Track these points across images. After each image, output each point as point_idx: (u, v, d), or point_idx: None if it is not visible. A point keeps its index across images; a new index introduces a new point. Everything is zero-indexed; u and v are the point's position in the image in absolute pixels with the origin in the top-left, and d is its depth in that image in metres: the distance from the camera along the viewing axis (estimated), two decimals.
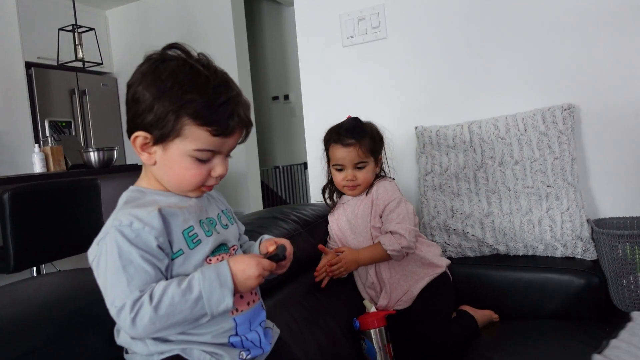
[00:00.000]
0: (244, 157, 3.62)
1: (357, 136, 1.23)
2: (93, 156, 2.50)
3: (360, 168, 1.25)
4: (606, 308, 1.26)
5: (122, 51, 4.26)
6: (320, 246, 1.23)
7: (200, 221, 0.67)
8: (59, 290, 0.74)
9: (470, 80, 1.54)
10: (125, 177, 2.73)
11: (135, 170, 2.78)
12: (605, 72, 1.38)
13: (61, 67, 3.45)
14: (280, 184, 4.31)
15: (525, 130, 1.40)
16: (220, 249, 0.67)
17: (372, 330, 1.11)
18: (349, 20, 1.71)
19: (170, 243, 0.62)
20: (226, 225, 0.72)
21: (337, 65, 1.76)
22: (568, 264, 1.32)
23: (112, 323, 0.67)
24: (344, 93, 1.76)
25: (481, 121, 1.47)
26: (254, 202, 3.73)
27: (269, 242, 0.72)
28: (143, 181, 0.69)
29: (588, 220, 1.36)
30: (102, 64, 3.34)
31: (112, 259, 0.59)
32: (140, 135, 0.64)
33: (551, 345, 1.11)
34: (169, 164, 0.65)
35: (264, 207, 3.99)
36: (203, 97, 0.62)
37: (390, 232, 1.19)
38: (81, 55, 3.04)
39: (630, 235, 1.22)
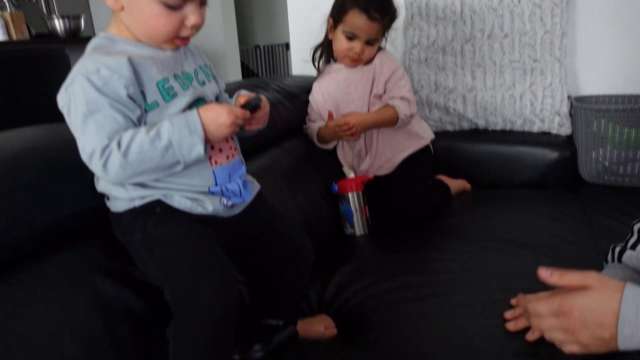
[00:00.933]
0: (222, 34, 3.42)
1: (383, 13, 1.16)
2: (58, 24, 2.31)
3: (370, 44, 1.19)
4: (574, 179, 1.33)
5: None
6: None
7: (175, 75, 0.64)
8: (37, 140, 0.73)
9: None
10: None
11: None
12: None
13: None
14: (261, 64, 4.16)
15: (519, 1, 1.34)
16: (197, 103, 0.65)
17: (349, 194, 1.15)
18: None
19: (144, 94, 0.60)
20: (203, 82, 0.69)
21: None
22: (543, 138, 1.36)
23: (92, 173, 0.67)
24: None
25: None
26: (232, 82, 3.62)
27: (242, 97, 0.69)
28: (112, 28, 0.64)
29: (569, 97, 1.37)
30: None
31: (80, 106, 0.57)
32: None
33: (516, 207, 1.19)
34: (137, 10, 0.59)
35: None
36: None
37: (401, 97, 1.20)
38: None
39: (607, 110, 1.24)
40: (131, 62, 0.58)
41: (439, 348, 0.72)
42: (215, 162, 0.66)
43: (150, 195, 0.63)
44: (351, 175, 1.21)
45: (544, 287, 0.65)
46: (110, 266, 0.66)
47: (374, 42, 1.19)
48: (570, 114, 1.36)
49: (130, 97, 0.58)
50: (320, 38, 1.31)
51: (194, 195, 0.65)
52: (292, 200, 1.05)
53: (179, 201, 0.64)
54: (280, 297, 0.78)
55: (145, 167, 0.58)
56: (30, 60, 1.90)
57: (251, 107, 0.66)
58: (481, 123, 1.44)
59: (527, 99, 1.36)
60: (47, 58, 1.97)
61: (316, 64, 1.31)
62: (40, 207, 0.62)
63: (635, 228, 0.69)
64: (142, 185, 0.63)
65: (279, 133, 1.22)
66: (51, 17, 2.34)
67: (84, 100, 0.56)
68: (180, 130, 0.58)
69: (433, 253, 1.01)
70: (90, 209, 0.68)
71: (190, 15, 0.60)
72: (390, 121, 1.19)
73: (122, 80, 0.57)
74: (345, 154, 1.29)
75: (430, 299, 0.83)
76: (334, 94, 1.26)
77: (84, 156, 0.58)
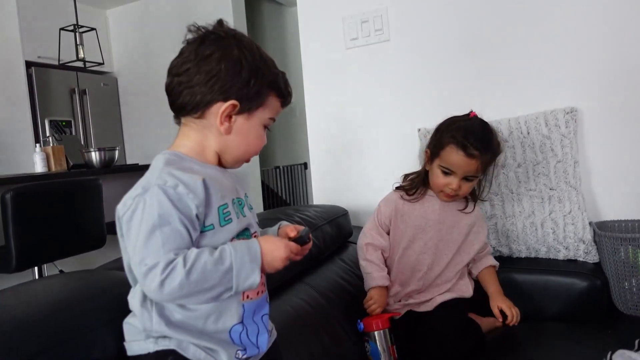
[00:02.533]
0: None
1: (483, 150, 1.12)
2: (94, 156, 2.50)
3: (468, 180, 1.16)
4: (608, 311, 1.27)
5: (122, 51, 4.26)
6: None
7: (233, 200, 0.68)
8: (66, 291, 0.74)
9: (473, 83, 1.55)
10: (126, 178, 2.72)
11: (136, 171, 2.78)
12: (607, 75, 1.38)
13: (62, 66, 3.45)
14: (281, 184, 4.31)
15: (528, 133, 1.41)
16: (244, 233, 0.68)
17: (376, 332, 1.10)
18: (352, 23, 1.71)
19: (205, 216, 0.62)
20: (251, 207, 0.74)
21: (340, 67, 1.76)
22: (570, 266, 1.33)
23: (121, 323, 0.67)
24: (347, 95, 1.76)
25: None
26: (254, 202, 3.67)
27: (288, 228, 0.72)
28: (183, 147, 0.68)
29: (590, 223, 1.36)
30: (103, 63, 3.34)
31: (150, 216, 0.58)
32: (235, 104, 0.67)
33: (553, 348, 1.12)
34: (247, 132, 0.69)
35: (265, 206, 3.99)
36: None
37: (488, 251, 1.29)
38: (82, 55, 3.04)
39: (633, 238, 1.22)
40: (205, 183, 0.62)
41: None
42: (247, 297, 0.67)
43: (165, 344, 0.63)
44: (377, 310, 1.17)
45: None
46: None
47: (473, 178, 1.16)
48: (595, 241, 1.34)
49: (197, 216, 0.61)
50: (335, 162, 1.34)
51: (210, 344, 0.64)
52: (318, 346, 1.02)
53: (194, 352, 0.63)
54: None
55: (201, 287, 0.58)
56: (67, 191, 2.01)
57: (302, 242, 0.69)
58: (505, 251, 1.43)
59: (548, 226, 1.36)
60: (82, 188, 2.09)
61: (408, 191, 1.25)
62: None
63: None
64: (164, 319, 0.62)
65: (302, 266, 1.23)
66: (88, 149, 2.52)
67: (156, 212, 0.58)
68: (242, 257, 0.60)
69: None
70: (116, 357, 0.67)
71: (264, 136, 0.73)
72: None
73: (195, 200, 0.60)
74: (392, 289, 1.23)
75: None
76: (415, 219, 1.22)
77: (141, 268, 0.57)
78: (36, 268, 2.17)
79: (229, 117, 0.67)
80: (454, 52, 1.57)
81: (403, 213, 1.25)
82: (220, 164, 0.71)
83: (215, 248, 0.61)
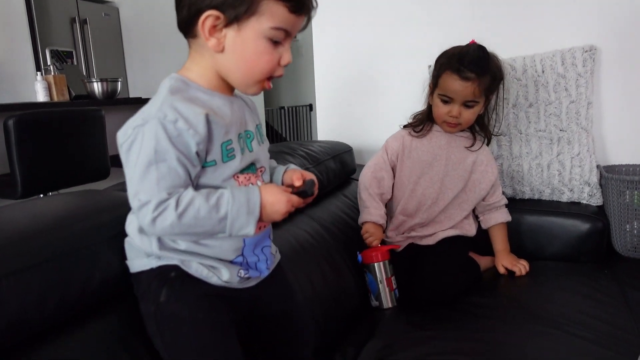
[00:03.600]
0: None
1: (479, 71, 1.10)
2: (97, 87, 2.45)
3: (468, 106, 1.14)
4: (607, 252, 1.28)
5: None
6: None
7: (239, 135, 0.64)
8: (71, 207, 0.74)
9: (488, 18, 1.48)
10: (130, 110, 2.68)
11: (139, 104, 2.74)
12: (631, 12, 1.31)
13: None
14: (285, 125, 4.27)
15: (543, 71, 1.36)
16: (249, 168, 0.65)
17: (375, 264, 1.12)
18: None
19: (207, 152, 0.60)
20: (261, 140, 0.70)
21: (350, 1, 1.68)
22: (573, 208, 1.33)
23: (123, 238, 0.68)
24: (357, 30, 1.69)
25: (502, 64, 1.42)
26: None
27: (295, 175, 0.69)
28: (191, 71, 0.63)
29: (598, 166, 1.35)
30: None
31: (147, 151, 0.56)
32: (212, 14, 0.58)
33: (552, 285, 1.14)
34: (242, 48, 0.60)
35: None
36: None
37: (505, 205, 1.27)
38: None
39: (639, 181, 1.21)
40: (208, 119, 0.58)
41: None
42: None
43: (168, 258, 0.63)
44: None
45: None
46: (135, 340, 0.65)
47: (473, 104, 1.14)
48: (601, 184, 1.33)
49: (197, 153, 0.58)
50: (341, 100, 1.31)
51: (212, 262, 0.64)
52: (318, 274, 1.03)
53: (196, 268, 0.63)
54: None
55: (193, 231, 0.58)
56: (70, 120, 1.99)
57: (306, 196, 0.66)
58: (508, 192, 1.42)
59: (554, 168, 1.35)
60: (85, 118, 2.06)
61: (415, 127, 1.25)
62: (72, 277, 0.62)
63: None
64: (166, 247, 0.62)
65: None
66: (90, 80, 2.47)
67: (153, 147, 0.56)
68: (239, 208, 0.58)
69: (468, 331, 0.96)
70: (120, 276, 0.68)
71: (285, 53, 0.62)
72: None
73: (196, 137, 0.57)
74: (395, 221, 1.25)
75: None
76: (423, 154, 1.22)
77: (135, 202, 0.57)
78: (42, 196, 2.19)
79: (216, 30, 0.59)
80: None
81: (411, 149, 1.24)
82: (228, 85, 0.65)
83: (215, 189, 0.59)
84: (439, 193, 1.22)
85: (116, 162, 2.33)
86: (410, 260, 1.18)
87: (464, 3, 1.50)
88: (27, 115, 1.84)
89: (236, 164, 0.63)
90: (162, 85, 0.62)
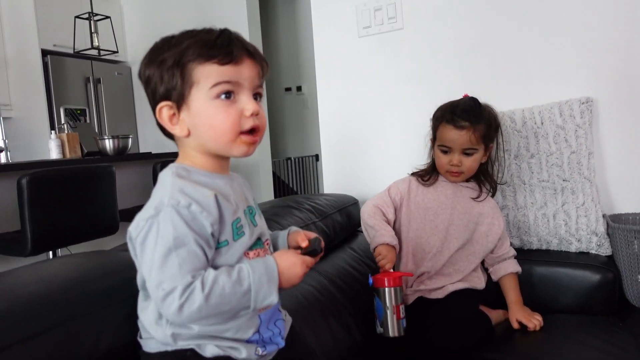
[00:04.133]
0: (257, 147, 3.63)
1: (472, 119, 1.16)
2: (108, 144, 2.53)
3: (468, 154, 1.19)
4: (620, 304, 1.25)
5: (136, 40, 4.28)
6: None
7: (244, 211, 0.66)
8: (80, 270, 0.75)
9: (487, 72, 1.53)
10: (139, 165, 2.75)
11: (149, 159, 2.81)
12: (625, 65, 1.36)
13: (77, 55, 3.48)
14: (292, 175, 4.32)
15: (542, 123, 1.39)
16: (256, 243, 0.66)
17: (385, 289, 1.07)
18: (365, 11, 1.70)
19: (220, 232, 0.61)
20: (260, 214, 0.71)
21: (353, 56, 1.75)
22: (582, 258, 1.32)
23: (133, 304, 0.69)
24: (360, 84, 1.76)
25: (497, 114, 1.46)
26: (265, 193, 3.75)
27: (299, 236, 0.71)
28: (184, 160, 0.67)
29: (604, 216, 1.35)
30: (117, 52, 3.36)
31: (165, 239, 0.57)
32: (164, 105, 0.63)
33: (564, 339, 1.11)
34: (199, 120, 0.62)
35: (275, 198, 4.01)
36: (197, 40, 0.62)
37: (514, 256, 1.28)
38: (97, 44, 3.06)
39: None
40: (217, 200, 0.60)
41: None
42: (262, 309, 0.66)
43: (184, 344, 0.62)
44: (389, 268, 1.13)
45: None
46: None
47: (472, 152, 1.18)
48: (608, 234, 1.33)
49: (212, 234, 0.59)
50: (346, 152, 1.34)
51: (229, 343, 0.63)
52: (326, 330, 1.03)
53: (212, 351, 0.62)
54: None
55: (220, 310, 0.58)
56: (81, 177, 2.04)
57: (316, 254, 0.67)
58: (516, 242, 1.42)
59: (560, 218, 1.35)
60: (96, 174, 2.12)
61: (424, 178, 1.28)
62: (80, 342, 0.62)
63: None
64: (182, 336, 0.62)
65: None
66: (102, 137, 2.55)
67: (172, 234, 0.56)
68: (260, 278, 0.59)
69: None
70: (127, 343, 0.68)
71: (246, 104, 0.62)
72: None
73: (209, 218, 0.59)
74: (402, 268, 1.25)
75: None
76: (428, 201, 1.24)
77: (159, 292, 0.56)
78: (50, 253, 2.21)
79: (175, 118, 0.63)
80: (468, 42, 1.55)
81: (416, 194, 1.27)
82: (223, 163, 0.67)
83: (232, 266, 0.60)
84: (444, 242, 1.22)
85: (125, 217, 2.35)
86: (420, 314, 1.16)
87: (462, 59, 1.56)
88: (39, 173, 1.89)
89: (246, 240, 0.64)
90: (163, 173, 0.64)
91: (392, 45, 1.67)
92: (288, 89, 4.60)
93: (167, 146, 4.30)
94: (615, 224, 1.28)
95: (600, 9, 1.37)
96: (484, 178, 1.27)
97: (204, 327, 0.62)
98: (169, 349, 0.63)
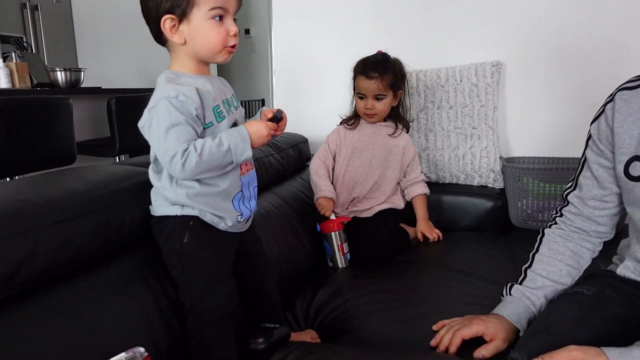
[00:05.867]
0: None
1: (380, 70, 1.42)
2: (60, 76, 2.55)
3: (379, 99, 1.45)
4: (505, 224, 1.64)
5: None
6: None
7: (222, 101, 0.88)
8: (103, 175, 0.94)
9: (420, 33, 1.80)
10: (91, 100, 2.80)
11: (98, 93, 2.85)
12: (528, 34, 1.68)
13: None
14: None
15: (461, 80, 1.70)
16: (234, 125, 0.89)
17: (332, 233, 1.39)
18: None
19: (204, 116, 0.83)
20: (237, 106, 0.94)
21: (309, 9, 1.94)
22: (482, 190, 1.68)
23: (148, 198, 0.91)
24: (310, 33, 1.96)
25: (427, 70, 1.75)
26: None
27: (266, 111, 0.93)
28: (175, 66, 0.86)
29: (501, 157, 1.71)
30: None
31: (164, 120, 0.78)
32: (167, 17, 0.80)
33: (462, 248, 1.47)
34: (196, 33, 0.81)
35: None
36: None
37: (422, 180, 1.57)
38: None
39: (529, 169, 1.58)
40: (198, 91, 0.82)
41: (410, 342, 0.96)
42: (242, 172, 0.91)
43: (190, 210, 0.86)
44: (332, 216, 1.44)
45: (476, 303, 0.95)
46: (156, 269, 0.89)
47: (382, 97, 1.45)
48: (502, 171, 1.69)
49: (197, 116, 0.81)
50: (296, 98, 1.57)
51: (221, 213, 0.88)
52: (282, 237, 1.30)
53: (210, 218, 0.87)
54: (263, 304, 1.02)
55: (211, 165, 0.81)
56: (39, 107, 2.11)
57: (277, 119, 0.90)
58: (433, 177, 1.76)
59: (468, 158, 1.70)
60: (54, 106, 2.18)
61: (349, 122, 1.57)
62: (111, 223, 0.84)
63: (523, 268, 0.97)
64: (184, 204, 0.85)
65: (270, 179, 1.49)
66: (54, 69, 2.57)
67: (167, 116, 0.78)
68: (235, 139, 0.82)
69: (398, 278, 1.26)
70: (143, 229, 0.91)
71: (231, 26, 0.84)
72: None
73: (193, 105, 0.80)
74: (340, 198, 1.54)
75: (398, 309, 1.08)
76: (354, 141, 1.53)
77: (166, 157, 0.78)
78: (8, 179, 2.28)
79: (175, 29, 0.81)
80: (409, 5, 1.80)
81: (345, 138, 1.57)
82: (205, 67, 0.88)
83: (214, 137, 0.82)
84: (368, 171, 1.53)
85: (81, 150, 2.44)
86: (354, 229, 1.48)
87: (400, 19, 1.81)
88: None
89: (226, 122, 0.87)
90: (159, 79, 0.86)
91: (341, 2, 1.88)
92: None
93: (110, 82, 4.21)
94: (508, 163, 1.64)
95: None
96: (397, 118, 1.57)
97: (205, 188, 0.85)
98: (178, 212, 0.85)
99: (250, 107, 4.42)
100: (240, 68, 4.71)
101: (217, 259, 0.88)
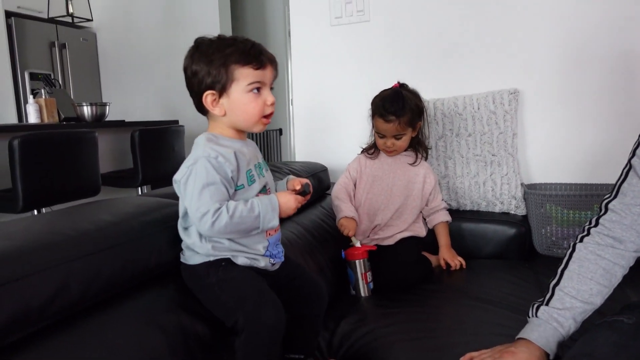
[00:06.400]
0: None
1: (397, 113, 1.44)
2: (86, 110, 2.64)
3: (398, 138, 1.48)
4: (529, 251, 1.62)
5: (101, 6, 4.28)
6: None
7: (255, 165, 0.93)
8: (128, 207, 0.97)
9: (436, 62, 1.83)
10: (114, 133, 2.89)
11: (123, 127, 2.94)
12: (545, 63, 1.69)
13: (42, 19, 3.48)
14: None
15: (479, 108, 1.71)
16: (262, 190, 0.93)
17: (356, 261, 1.39)
18: (337, 3, 1.94)
19: (237, 178, 0.88)
20: (266, 170, 0.99)
21: (325, 42, 2.00)
22: (503, 217, 1.67)
23: (173, 231, 0.93)
24: (329, 66, 2.01)
25: (444, 99, 1.77)
26: None
27: (295, 182, 0.98)
28: (215, 129, 0.93)
29: (522, 184, 1.70)
30: (92, 20, 3.40)
31: (201, 178, 0.83)
32: (209, 93, 0.87)
33: (485, 276, 1.45)
34: (235, 106, 0.88)
35: None
36: (237, 48, 0.87)
37: (444, 208, 1.58)
38: (72, 11, 3.11)
39: (552, 195, 1.56)
40: (235, 154, 0.87)
41: None
42: (269, 234, 0.95)
43: (221, 255, 0.89)
44: (357, 244, 1.43)
45: (504, 334, 0.94)
46: (184, 303, 0.90)
47: (401, 136, 1.48)
48: (524, 198, 1.68)
49: (232, 178, 0.86)
50: (315, 128, 1.63)
51: (253, 256, 0.91)
52: (301, 262, 1.30)
53: (242, 260, 0.90)
54: (302, 332, 1.01)
55: (239, 227, 0.85)
56: (67, 141, 2.18)
57: (305, 194, 0.95)
58: (454, 204, 1.75)
59: (488, 185, 1.69)
60: (80, 139, 2.26)
61: (369, 152, 1.59)
62: (139, 256, 0.86)
63: (550, 285, 0.93)
64: (219, 247, 0.88)
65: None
66: (80, 104, 2.66)
67: (205, 175, 0.83)
68: (266, 207, 0.87)
69: (422, 307, 1.24)
70: (170, 260, 0.93)
71: (268, 96, 0.90)
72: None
73: (230, 167, 0.85)
74: (362, 226, 1.55)
75: (424, 340, 1.06)
76: (374, 170, 1.56)
77: (197, 214, 0.82)
78: (35, 211, 2.34)
79: (216, 102, 0.88)
80: (424, 36, 1.84)
81: (366, 166, 1.59)
82: (242, 134, 0.94)
83: (246, 201, 0.87)
84: (389, 199, 1.54)
85: (104, 181, 2.51)
86: (376, 257, 1.47)
87: (419, 49, 1.85)
88: (31, 136, 2.03)
89: (257, 186, 0.92)
90: (199, 138, 0.91)
91: (359, 34, 1.93)
92: None
93: (133, 115, 4.36)
94: (530, 190, 1.63)
95: (526, 17, 1.69)
96: (417, 147, 1.58)
97: (233, 243, 0.88)
98: (211, 259, 0.89)
99: (268, 138, 4.49)
100: None
101: (253, 279, 0.90)
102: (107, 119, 2.86)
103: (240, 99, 0.88)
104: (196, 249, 0.89)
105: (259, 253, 0.92)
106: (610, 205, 0.92)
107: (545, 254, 1.59)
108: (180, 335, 0.84)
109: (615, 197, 0.91)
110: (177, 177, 0.88)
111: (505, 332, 1.04)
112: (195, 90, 0.90)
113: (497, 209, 1.70)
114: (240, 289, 0.87)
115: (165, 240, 0.93)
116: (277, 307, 0.86)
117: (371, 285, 1.40)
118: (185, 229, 0.92)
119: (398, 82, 1.54)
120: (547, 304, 0.91)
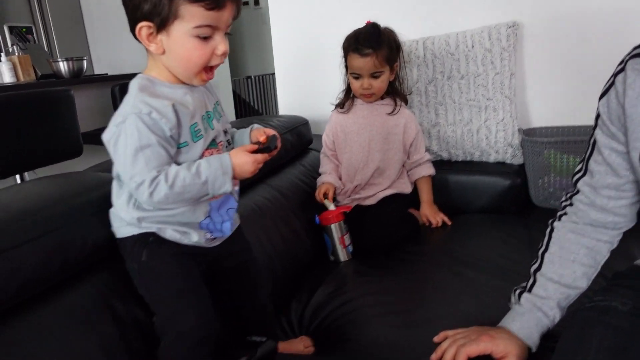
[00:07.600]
0: None
1: (374, 46, 1.28)
2: (62, 66, 2.50)
3: (375, 77, 1.33)
4: (525, 204, 1.50)
5: None
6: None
7: (202, 116, 0.77)
8: (59, 187, 0.87)
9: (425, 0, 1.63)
10: (96, 88, 2.76)
11: (105, 81, 2.80)
12: None
13: None
14: (252, 94, 4.36)
15: (473, 46, 1.53)
16: (211, 144, 0.78)
17: (332, 225, 1.30)
18: None
19: (179, 135, 0.73)
20: (220, 117, 0.82)
21: None
22: (498, 167, 1.54)
23: (107, 211, 0.83)
24: (313, 9, 1.82)
25: (434, 37, 1.59)
26: (226, 112, 3.81)
27: (258, 132, 0.83)
28: (152, 71, 0.75)
29: (519, 130, 1.55)
30: None
31: (132, 141, 0.68)
32: (144, 25, 0.70)
33: (473, 232, 1.36)
34: (175, 49, 0.71)
35: (236, 116, 4.08)
36: None
37: (427, 160, 1.46)
38: None
39: (551, 142, 1.42)
40: (174, 108, 0.72)
41: (410, 353, 0.87)
42: (213, 197, 0.79)
43: (147, 227, 0.77)
44: (331, 207, 1.34)
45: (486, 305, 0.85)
46: (123, 289, 0.82)
47: (379, 74, 1.33)
48: (521, 146, 1.54)
49: (171, 136, 0.71)
50: (299, 72, 1.45)
51: (184, 228, 0.79)
52: (276, 233, 1.21)
53: (171, 234, 0.78)
54: (255, 315, 0.93)
55: (183, 197, 0.72)
56: (40, 102, 2.07)
57: (269, 151, 0.78)
58: (444, 155, 1.62)
59: (482, 133, 1.54)
60: (55, 99, 2.14)
61: (342, 104, 1.45)
62: (71, 244, 0.77)
63: (532, 270, 0.83)
64: (144, 219, 0.76)
65: (266, 170, 1.39)
66: (56, 59, 2.52)
67: (137, 136, 0.68)
68: (215, 171, 0.72)
69: (403, 274, 1.16)
70: (108, 240, 0.83)
71: (219, 44, 0.72)
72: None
73: (168, 124, 0.70)
74: (344, 187, 1.44)
75: (402, 314, 0.99)
76: (349, 126, 1.43)
77: (132, 184, 0.70)
78: (18, 176, 2.28)
79: (153, 37, 0.71)
80: None
81: (338, 124, 1.46)
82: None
83: (192, 162, 0.73)
84: (368, 156, 1.42)
85: (88, 140, 2.41)
86: (357, 218, 1.37)
87: None
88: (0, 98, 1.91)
89: (203, 141, 0.76)
90: (131, 84, 0.75)
91: None
92: (245, 3, 4.46)
93: (122, 67, 4.18)
94: (527, 137, 1.48)
95: None
96: (395, 94, 1.43)
97: (161, 210, 0.76)
98: (136, 232, 0.77)
99: (264, 82, 4.30)
100: (250, 41, 4.57)
101: (183, 272, 0.79)
102: (95, 74, 2.72)
103: (182, 43, 0.70)
104: (121, 213, 0.78)
105: (194, 221, 0.80)
106: (579, 185, 0.81)
107: (542, 206, 1.47)
108: (115, 330, 0.77)
109: (584, 174, 0.80)
110: (105, 136, 0.72)
111: (489, 303, 0.96)
112: (129, 15, 0.72)
113: (491, 159, 1.57)
114: (156, 287, 0.77)
115: (102, 222, 0.84)
116: (200, 310, 0.76)
117: (350, 248, 1.32)
118: (120, 189, 0.79)
119: (369, 21, 1.37)
120: (529, 291, 0.81)
